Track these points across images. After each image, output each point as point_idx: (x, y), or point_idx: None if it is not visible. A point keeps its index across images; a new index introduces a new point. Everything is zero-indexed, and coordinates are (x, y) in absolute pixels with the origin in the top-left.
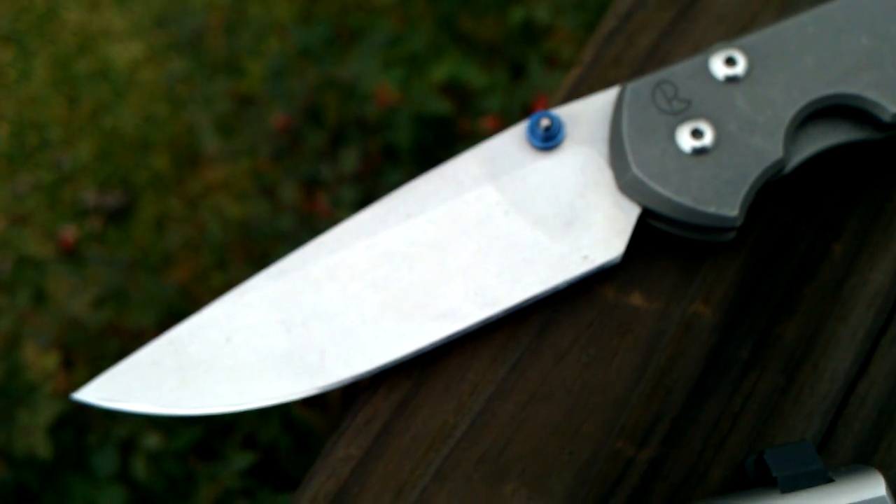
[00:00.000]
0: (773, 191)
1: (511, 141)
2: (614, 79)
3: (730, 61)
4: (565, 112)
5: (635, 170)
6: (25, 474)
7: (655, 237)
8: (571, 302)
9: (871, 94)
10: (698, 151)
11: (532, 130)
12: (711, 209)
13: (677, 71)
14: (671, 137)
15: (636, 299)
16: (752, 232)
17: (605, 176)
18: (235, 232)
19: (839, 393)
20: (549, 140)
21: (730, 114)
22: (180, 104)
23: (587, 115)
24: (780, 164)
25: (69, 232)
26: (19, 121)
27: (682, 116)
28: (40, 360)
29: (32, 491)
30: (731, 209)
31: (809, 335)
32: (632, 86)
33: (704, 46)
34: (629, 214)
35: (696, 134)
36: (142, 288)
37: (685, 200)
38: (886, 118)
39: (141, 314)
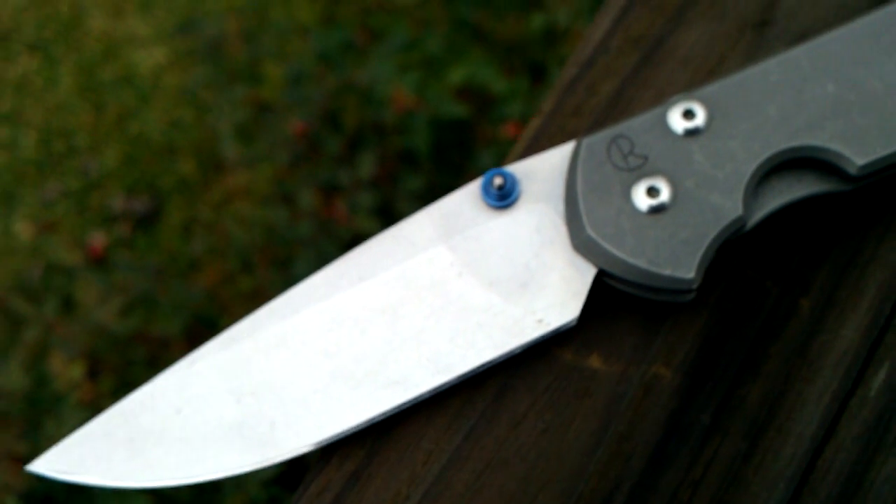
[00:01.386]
0: (737, 245)
1: (465, 199)
2: (574, 129)
3: (688, 114)
4: (520, 168)
5: (589, 230)
6: (53, 484)
7: (615, 296)
8: (528, 365)
9: (836, 145)
10: (654, 210)
11: (486, 189)
12: (667, 271)
13: (634, 125)
14: (626, 195)
15: (595, 362)
16: (716, 289)
17: (561, 234)
18: (260, 236)
19: (804, 458)
20: (503, 198)
21: (688, 169)
22: (204, 109)
23: (543, 171)
24: (739, 222)
25: (98, 239)
26: (46, 128)
27: (639, 173)
28: (67, 369)
29: (60, 501)
30: (688, 271)
31: (774, 397)
32: (587, 141)
33: (669, 92)
34: (585, 275)
35: (652, 192)
36: (169, 294)
37: (640, 262)
38: (852, 171)
39: (168, 321)
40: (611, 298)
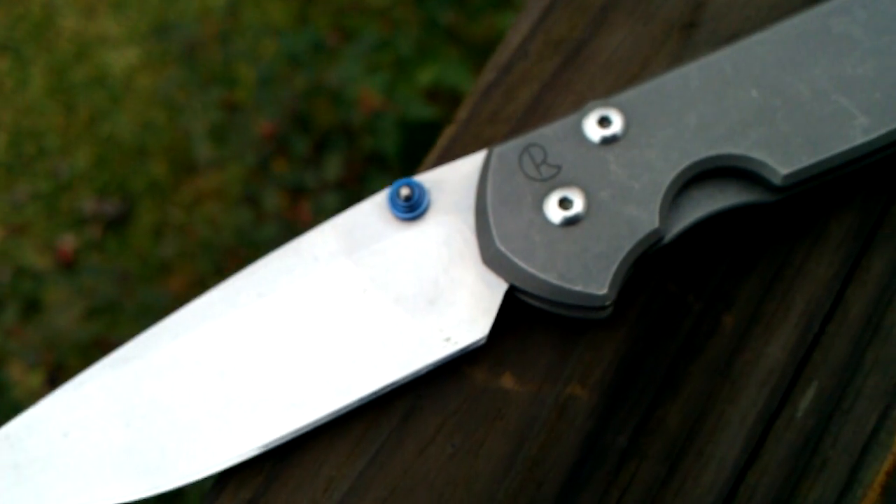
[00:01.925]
0: (658, 258)
1: (371, 211)
2: (490, 137)
3: (604, 121)
4: (430, 178)
5: (499, 244)
6: None
7: (529, 312)
8: (438, 385)
9: (758, 154)
10: (567, 222)
11: (393, 200)
12: (578, 287)
13: (547, 133)
14: (538, 207)
15: (507, 381)
16: (635, 304)
17: (472, 248)
18: (230, 238)
19: (727, 483)
20: (411, 210)
21: (603, 180)
22: (177, 110)
23: (454, 181)
24: (655, 235)
25: (67, 243)
26: (16, 129)
27: (551, 184)
28: (26, 378)
29: None
30: (600, 287)
31: (695, 419)
32: (498, 150)
33: (590, 98)
34: (495, 291)
35: (565, 203)
36: (135, 298)
37: (550, 277)
38: (776, 181)
39: (132, 326)
40: (525, 314)
